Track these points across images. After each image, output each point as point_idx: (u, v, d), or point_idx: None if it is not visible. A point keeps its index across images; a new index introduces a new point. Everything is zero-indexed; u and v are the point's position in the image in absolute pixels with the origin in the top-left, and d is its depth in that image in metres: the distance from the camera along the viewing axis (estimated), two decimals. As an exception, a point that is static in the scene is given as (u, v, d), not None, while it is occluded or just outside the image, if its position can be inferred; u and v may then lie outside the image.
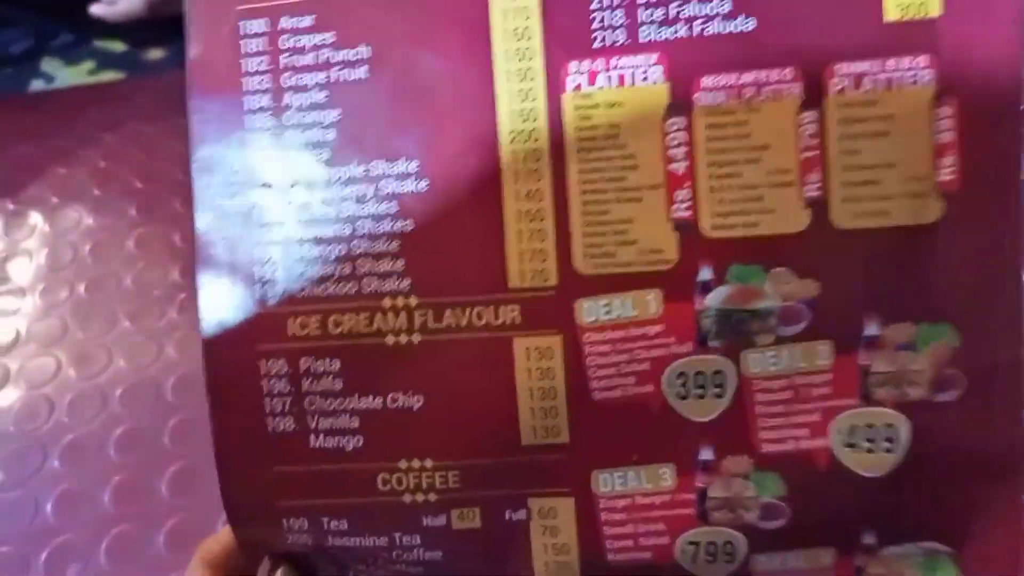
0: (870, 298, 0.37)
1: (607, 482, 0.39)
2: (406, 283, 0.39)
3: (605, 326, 0.38)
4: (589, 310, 0.38)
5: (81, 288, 0.63)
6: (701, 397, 0.38)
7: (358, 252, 0.39)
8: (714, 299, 0.37)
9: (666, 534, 0.39)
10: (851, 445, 0.38)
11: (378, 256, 0.39)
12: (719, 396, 0.38)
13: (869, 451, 0.38)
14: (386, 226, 0.39)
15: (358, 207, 0.39)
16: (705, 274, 0.37)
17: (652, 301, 0.38)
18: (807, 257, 0.36)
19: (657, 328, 0.38)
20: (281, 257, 0.39)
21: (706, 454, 0.38)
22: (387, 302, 0.39)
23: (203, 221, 0.40)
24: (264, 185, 0.40)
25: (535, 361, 0.39)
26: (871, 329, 0.37)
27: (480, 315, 0.39)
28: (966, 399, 0.37)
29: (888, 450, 0.38)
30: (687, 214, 0.37)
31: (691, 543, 0.39)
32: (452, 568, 0.41)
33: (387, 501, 0.40)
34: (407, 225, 0.39)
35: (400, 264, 0.39)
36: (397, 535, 0.40)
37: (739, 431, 0.38)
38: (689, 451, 0.39)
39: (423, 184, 0.39)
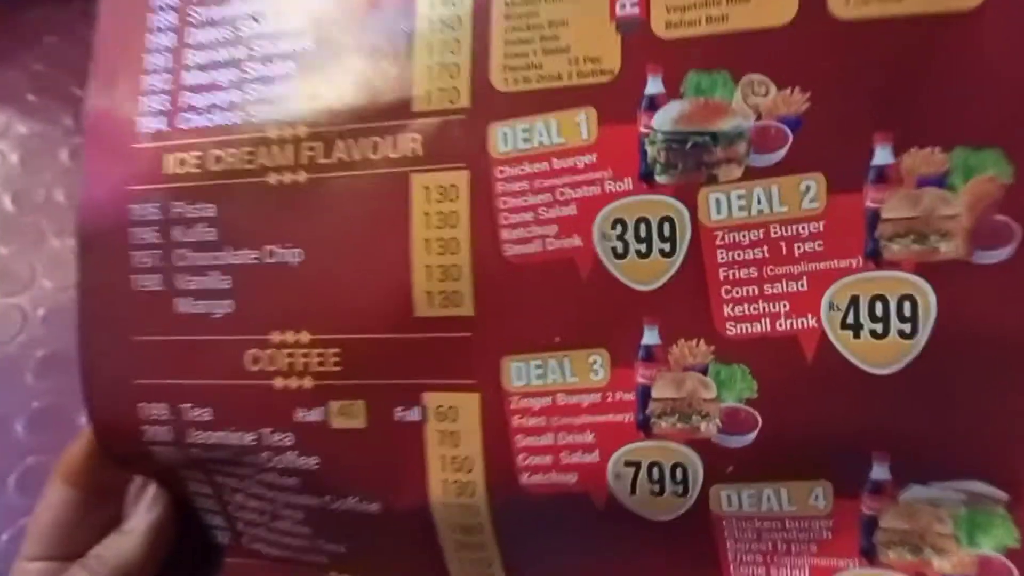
0: (880, 114, 0.26)
1: (521, 373, 0.29)
2: (295, 108, 0.31)
3: (523, 157, 0.29)
4: (504, 137, 0.29)
5: (7, 200, 0.59)
6: (644, 255, 0.28)
7: (248, 77, 0.32)
8: (664, 119, 0.28)
9: (596, 448, 0.29)
10: (851, 326, 0.26)
11: (268, 81, 0.32)
12: (668, 254, 0.28)
13: (877, 334, 0.26)
14: (283, 46, 0.33)
15: (255, 26, 0.33)
16: (654, 86, 0.28)
17: (584, 123, 0.28)
18: (793, 59, 0.26)
19: (588, 159, 0.28)
20: (162, 84, 0.33)
21: (650, 337, 0.28)
22: (273, 132, 0.31)
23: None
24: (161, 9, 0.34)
25: (435, 203, 0.30)
26: (882, 156, 0.26)
27: (376, 147, 0.30)
28: (1018, 261, 0.24)
29: (905, 333, 0.26)
30: (635, 11, 0.28)
31: (629, 463, 0.29)
32: (330, 481, 0.32)
33: (256, 386, 0.32)
34: (304, 45, 0.32)
35: (292, 87, 0.31)
36: (267, 431, 0.32)
37: (694, 305, 0.27)
38: (628, 332, 0.28)
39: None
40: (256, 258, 0.32)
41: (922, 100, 0.26)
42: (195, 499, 0.35)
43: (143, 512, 0.36)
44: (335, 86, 0.31)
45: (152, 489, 0.36)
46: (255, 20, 0.33)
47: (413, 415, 0.31)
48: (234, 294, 0.32)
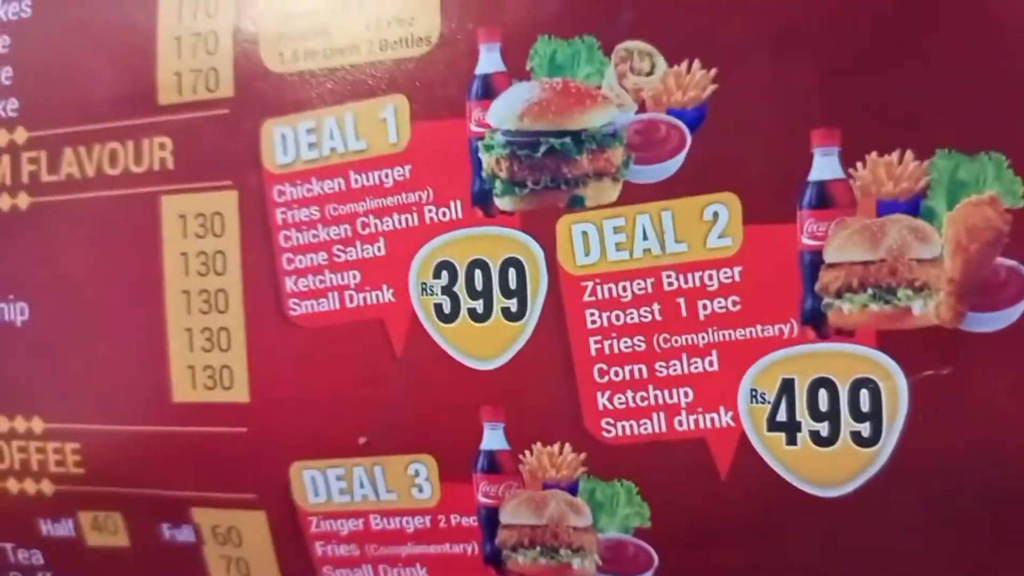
0: (821, 102, 0.16)
1: (317, 486, 0.20)
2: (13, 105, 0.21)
3: (309, 171, 0.20)
4: (283, 142, 0.20)
5: None
6: (481, 317, 0.19)
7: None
8: (504, 111, 0.18)
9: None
10: (783, 425, 0.17)
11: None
12: (515, 315, 0.18)
13: (821, 438, 0.17)
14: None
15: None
16: (489, 61, 0.18)
17: (391, 119, 0.19)
18: (691, 18, 0.17)
19: (399, 173, 0.19)
20: None
21: (493, 439, 0.19)
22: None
23: None
24: None
25: (194, 239, 0.21)
26: (823, 167, 0.16)
27: (114, 157, 0.21)
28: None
29: (862, 439, 0.16)
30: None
31: None
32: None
33: None
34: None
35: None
36: (9, 547, 0.22)
37: (555, 393, 0.18)
38: (461, 432, 0.19)
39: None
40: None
41: (885, 83, 0.16)
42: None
43: None
44: (53, 74, 0.22)
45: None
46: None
47: (184, 535, 0.22)
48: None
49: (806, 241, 0.17)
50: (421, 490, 0.20)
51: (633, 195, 0.18)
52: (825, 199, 0.17)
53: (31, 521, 0.24)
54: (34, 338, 0.23)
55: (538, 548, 0.20)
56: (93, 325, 0.22)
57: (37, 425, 0.23)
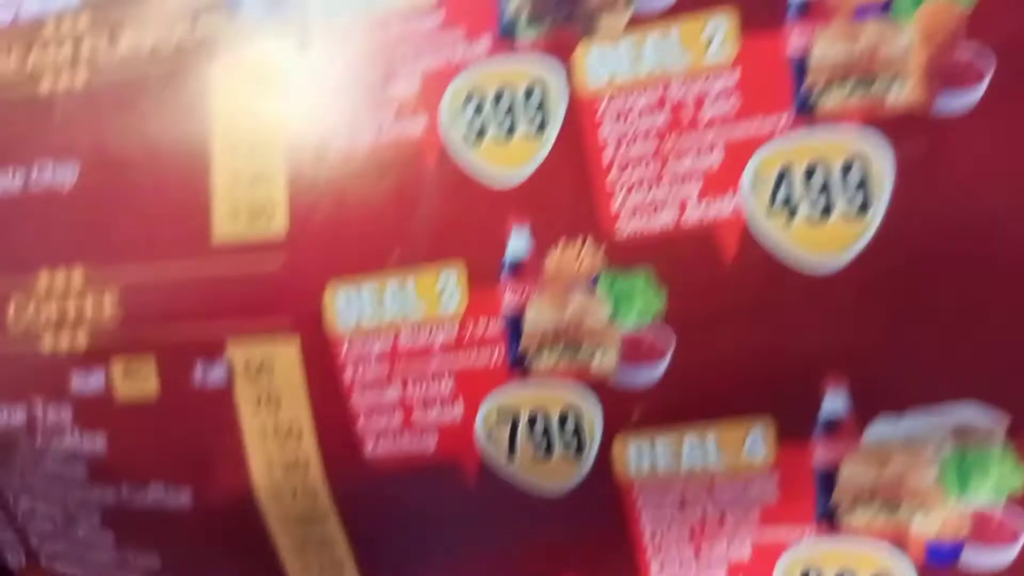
0: None
1: (351, 305, 0.22)
2: None
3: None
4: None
5: None
6: (506, 137, 0.21)
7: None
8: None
9: (458, 400, 0.21)
10: (783, 208, 0.19)
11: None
12: (536, 132, 0.20)
13: (817, 216, 0.19)
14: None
15: None
16: None
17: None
18: None
19: (431, 16, 0.21)
20: None
21: (518, 243, 0.21)
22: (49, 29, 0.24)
23: None
24: None
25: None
26: None
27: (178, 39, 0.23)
28: (989, 106, 0.18)
29: (854, 212, 0.19)
30: None
31: (503, 416, 0.21)
32: (123, 466, 0.24)
33: (20, 349, 0.23)
34: None
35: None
36: (38, 405, 0.23)
37: (575, 197, 0.20)
38: (488, 239, 0.21)
39: None
40: (22, 181, 0.24)
41: None
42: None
43: None
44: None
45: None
46: None
47: (216, 375, 0.23)
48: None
49: (794, 45, 0.20)
50: (449, 300, 0.22)
51: (642, 20, 0.21)
52: (808, 9, 0.20)
53: (63, 376, 0.25)
54: (81, 195, 0.24)
55: (560, 348, 0.21)
56: (137, 177, 0.24)
57: (77, 276, 0.24)
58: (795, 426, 0.20)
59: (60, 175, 0.24)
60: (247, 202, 0.23)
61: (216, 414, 0.23)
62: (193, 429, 0.24)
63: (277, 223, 0.23)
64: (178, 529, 0.25)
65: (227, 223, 0.23)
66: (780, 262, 0.20)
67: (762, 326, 0.20)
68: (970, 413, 0.19)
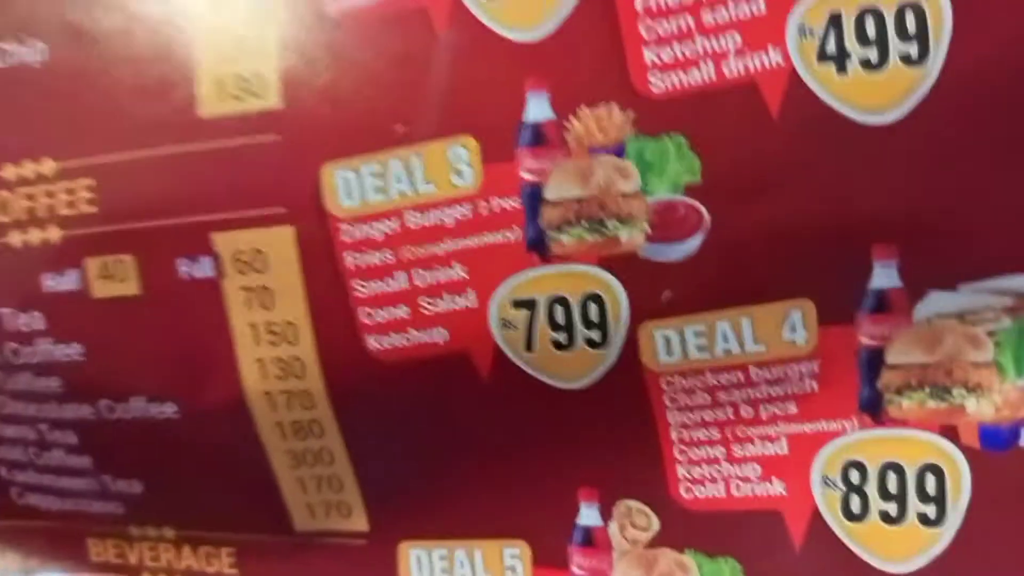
0: None
1: (350, 185, 0.20)
2: None
3: None
4: None
5: None
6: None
7: None
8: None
9: (470, 287, 0.20)
10: (831, 57, 0.17)
11: None
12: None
13: (871, 64, 0.18)
14: None
15: None
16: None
17: None
18: None
19: None
20: None
21: (538, 113, 0.18)
22: None
23: None
24: None
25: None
26: None
27: None
28: None
29: (911, 58, 0.17)
30: None
31: (520, 304, 0.20)
32: (102, 377, 0.22)
33: None
34: None
35: None
36: (7, 311, 0.21)
37: (599, 51, 0.19)
38: (504, 104, 0.19)
39: None
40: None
41: None
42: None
43: None
44: None
45: None
46: None
47: (203, 269, 0.21)
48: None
49: None
50: (461, 175, 0.20)
51: None
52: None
53: (34, 277, 0.23)
54: (52, 77, 0.22)
55: (585, 223, 0.20)
56: (112, 51, 0.22)
57: (48, 166, 0.22)
58: (838, 306, 0.19)
59: (26, 56, 0.22)
60: (236, 73, 0.20)
61: (203, 312, 0.21)
62: (178, 331, 0.22)
63: (269, 95, 0.20)
64: (162, 447, 0.23)
65: (214, 98, 0.21)
66: (828, 112, 0.18)
67: (808, 190, 0.18)
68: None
